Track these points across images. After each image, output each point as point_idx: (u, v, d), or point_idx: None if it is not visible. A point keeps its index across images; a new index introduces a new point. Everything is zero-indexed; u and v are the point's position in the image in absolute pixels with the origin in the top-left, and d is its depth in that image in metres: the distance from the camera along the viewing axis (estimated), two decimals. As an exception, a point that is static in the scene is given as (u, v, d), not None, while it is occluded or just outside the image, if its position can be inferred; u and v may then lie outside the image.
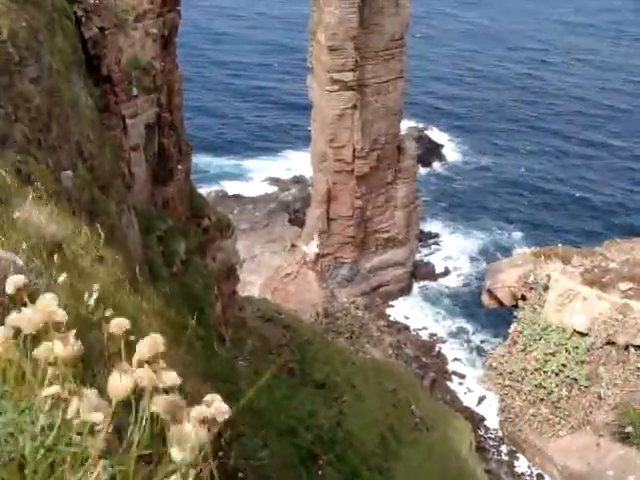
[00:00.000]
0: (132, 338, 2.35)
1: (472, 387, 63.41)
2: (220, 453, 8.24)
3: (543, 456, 8.88)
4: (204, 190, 76.29)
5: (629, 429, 7.26)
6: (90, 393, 2.08)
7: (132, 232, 22.95)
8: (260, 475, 8.49)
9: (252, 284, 73.63)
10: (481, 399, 61.89)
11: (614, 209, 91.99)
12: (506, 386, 8.48)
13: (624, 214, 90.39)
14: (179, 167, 37.03)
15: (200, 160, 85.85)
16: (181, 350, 11.30)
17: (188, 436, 2.02)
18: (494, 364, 8.68)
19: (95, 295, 2.96)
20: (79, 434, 2.06)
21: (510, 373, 8.26)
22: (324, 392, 48.90)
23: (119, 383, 2.08)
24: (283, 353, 50.64)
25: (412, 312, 75.89)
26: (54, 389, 2.10)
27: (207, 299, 34.75)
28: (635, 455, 7.15)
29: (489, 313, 62.52)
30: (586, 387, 7.72)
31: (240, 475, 7.17)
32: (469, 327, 73.65)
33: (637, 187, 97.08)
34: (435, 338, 72.35)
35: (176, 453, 2.00)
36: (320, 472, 35.69)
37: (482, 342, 69.86)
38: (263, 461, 9.43)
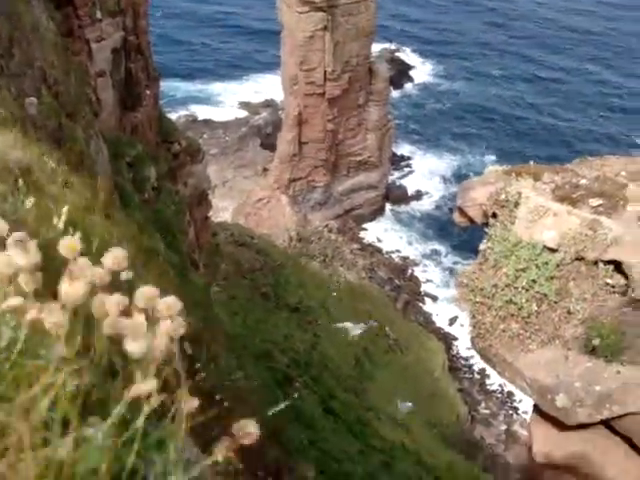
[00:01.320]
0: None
1: (444, 308, 64.18)
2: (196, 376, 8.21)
3: (513, 370, 9.13)
4: (173, 115, 75.11)
5: (596, 342, 7.43)
6: (52, 305, 1.97)
7: (101, 158, 22.56)
8: (236, 396, 8.49)
9: (225, 210, 73.38)
10: (453, 320, 62.81)
11: (583, 135, 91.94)
12: (477, 302, 8.59)
13: (593, 140, 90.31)
14: (147, 92, 36.34)
15: (167, 85, 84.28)
16: (153, 275, 11.18)
17: (141, 326, 1.92)
18: (465, 281, 8.78)
19: (64, 218, 2.85)
20: (41, 346, 1.96)
21: (481, 290, 8.35)
22: (298, 316, 49.29)
23: (71, 288, 1.96)
24: (257, 278, 50.80)
25: (385, 235, 76.10)
26: (16, 301, 1.99)
27: (179, 225, 34.52)
28: (602, 367, 7.36)
29: (462, 234, 62.91)
30: (556, 302, 7.87)
31: (217, 397, 7.14)
32: (442, 249, 74.11)
33: (607, 113, 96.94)
34: (408, 260, 72.80)
35: (130, 344, 1.90)
36: (296, 394, 36.17)
37: (455, 264, 70.34)
38: (238, 383, 9.44)
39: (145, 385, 1.93)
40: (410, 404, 38.72)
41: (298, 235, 67.30)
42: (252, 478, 9.25)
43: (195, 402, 2.26)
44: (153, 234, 22.79)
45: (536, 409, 9.75)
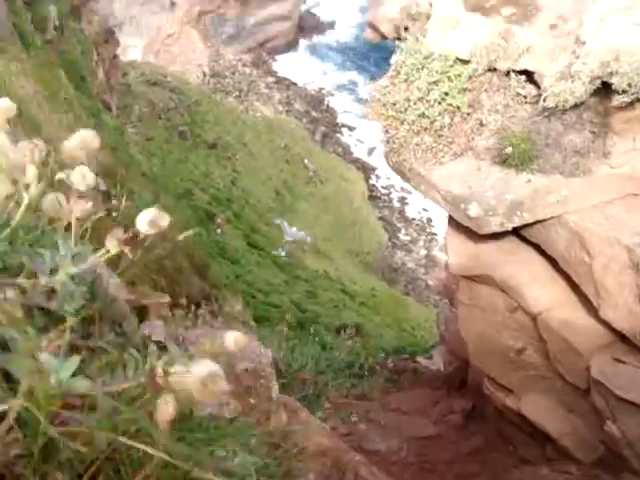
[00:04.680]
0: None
1: (363, 138, 64.17)
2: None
3: (427, 183, 9.18)
4: (71, -53, 70.44)
5: (508, 150, 7.48)
6: None
7: (-6, -4, 21.15)
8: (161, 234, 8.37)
9: (134, 47, 70.55)
10: (372, 150, 62.98)
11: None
12: (389, 117, 8.42)
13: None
14: None
15: None
16: (60, 111, 10.78)
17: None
18: (377, 95, 8.56)
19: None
20: None
21: (393, 104, 8.15)
22: (216, 152, 48.85)
23: None
24: (172, 117, 49.78)
25: (300, 67, 74.52)
26: None
27: (87, 66, 33.13)
28: (513, 176, 7.47)
29: (379, 63, 62.14)
30: (468, 114, 7.78)
31: (132, 230, 7.02)
32: (359, 79, 73.16)
33: None
34: (324, 92, 71.81)
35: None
36: (219, 230, 36.41)
37: (370, 87, 69.36)
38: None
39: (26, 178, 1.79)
40: (294, 229, 39.71)
41: (211, 70, 65.59)
42: (176, 308, 9.30)
43: (86, 204, 2.15)
44: (60, 76, 21.85)
45: (450, 223, 9.95)
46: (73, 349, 1.77)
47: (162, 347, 2.73)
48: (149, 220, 1.91)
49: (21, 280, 1.77)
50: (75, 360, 1.38)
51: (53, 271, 1.88)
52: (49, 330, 1.75)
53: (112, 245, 1.92)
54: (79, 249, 1.96)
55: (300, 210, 49.42)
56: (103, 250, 1.95)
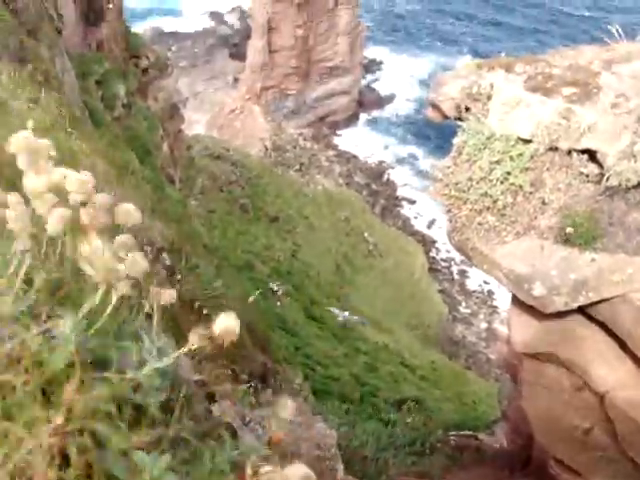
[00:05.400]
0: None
1: (422, 212, 64.38)
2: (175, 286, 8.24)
3: (490, 262, 9.18)
4: (138, 29, 73.06)
5: (570, 230, 7.45)
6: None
7: (68, 77, 22.05)
8: (216, 305, 8.53)
9: (198, 122, 72.48)
10: (431, 222, 63.12)
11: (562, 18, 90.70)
12: (452, 197, 8.48)
13: (569, 24, 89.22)
14: (110, 6, 35.30)
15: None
16: (127, 187, 11.09)
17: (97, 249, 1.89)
18: (439, 175, 8.64)
19: (29, 131, 2.75)
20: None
21: (456, 184, 8.22)
22: (277, 225, 49.35)
23: (35, 181, 1.93)
24: (234, 190, 50.63)
25: (360, 141, 75.50)
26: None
27: (153, 140, 34.10)
28: (576, 255, 7.42)
29: (439, 137, 62.58)
30: (530, 193, 7.79)
31: (197, 304, 7.17)
32: (419, 152, 73.72)
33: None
34: (384, 165, 72.49)
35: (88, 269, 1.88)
36: (279, 302, 36.54)
37: (432, 167, 69.68)
38: (219, 291, 9.47)
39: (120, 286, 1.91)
40: (347, 313, 39.22)
41: (273, 144, 66.83)
42: (239, 382, 9.35)
43: (171, 293, 2.25)
44: (126, 151, 22.53)
45: (514, 301, 9.89)
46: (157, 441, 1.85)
47: (232, 429, 2.81)
48: (223, 328, 2.00)
49: (110, 374, 1.86)
50: (166, 458, 1.46)
51: (139, 365, 1.98)
52: (134, 422, 1.84)
53: (195, 340, 2.01)
54: (162, 343, 2.06)
55: (359, 283, 49.41)
56: (187, 346, 2.04)
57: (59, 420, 1.51)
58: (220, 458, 1.95)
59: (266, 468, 1.53)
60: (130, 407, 1.90)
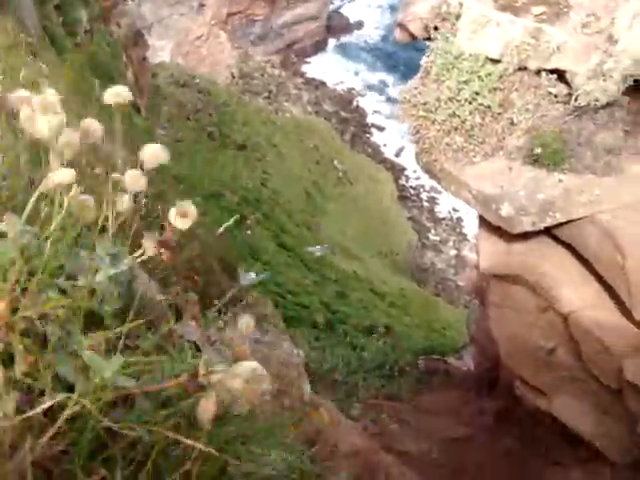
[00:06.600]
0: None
1: (392, 139, 63.95)
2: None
3: (458, 183, 9.15)
4: (101, -49, 70.89)
5: (538, 150, 7.41)
6: None
7: (24, 1, 21.38)
8: (183, 231, 8.42)
9: (162, 49, 70.94)
10: (400, 150, 62.77)
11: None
12: (420, 117, 8.39)
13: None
14: None
15: None
16: (91, 114, 10.84)
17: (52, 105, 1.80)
18: (407, 97, 8.52)
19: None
20: None
21: (423, 104, 8.12)
22: (246, 153, 48.92)
23: None
24: (201, 118, 49.98)
25: (329, 68, 74.41)
26: None
27: (116, 68, 33.43)
28: (545, 176, 7.41)
29: (408, 63, 61.92)
30: (499, 114, 7.74)
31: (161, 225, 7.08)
32: (389, 79, 72.83)
33: None
34: (354, 92, 71.63)
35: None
36: (249, 231, 36.50)
37: (401, 90, 68.93)
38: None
39: (62, 174, 1.82)
40: (320, 246, 39.28)
41: (240, 72, 65.76)
42: (207, 307, 9.31)
43: (126, 200, 2.17)
44: (90, 78, 22.03)
45: (482, 223, 9.91)
46: (113, 349, 1.79)
47: (197, 348, 2.77)
48: (180, 211, 1.94)
49: (61, 281, 1.80)
50: (118, 359, 1.41)
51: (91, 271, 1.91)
52: (90, 330, 1.78)
53: (148, 247, 1.95)
54: (116, 250, 1.99)
55: (330, 211, 49.39)
56: (139, 252, 1.97)
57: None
58: (180, 367, 1.90)
59: (219, 367, 1.48)
60: (83, 314, 1.85)
